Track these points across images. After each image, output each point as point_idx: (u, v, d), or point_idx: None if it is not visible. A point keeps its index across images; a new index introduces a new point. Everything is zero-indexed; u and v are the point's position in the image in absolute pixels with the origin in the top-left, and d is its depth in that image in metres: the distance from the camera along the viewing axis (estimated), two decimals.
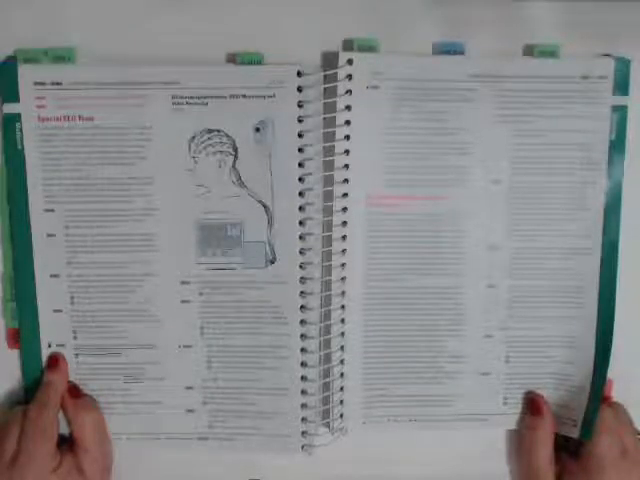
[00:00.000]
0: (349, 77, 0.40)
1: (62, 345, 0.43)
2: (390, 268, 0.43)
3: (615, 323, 0.43)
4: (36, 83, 0.40)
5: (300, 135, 0.41)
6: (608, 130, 0.42)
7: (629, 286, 0.43)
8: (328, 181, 0.41)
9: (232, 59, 0.41)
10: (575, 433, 0.44)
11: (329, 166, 0.41)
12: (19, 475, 0.38)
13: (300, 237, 0.42)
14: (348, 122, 0.41)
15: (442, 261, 0.43)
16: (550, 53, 0.42)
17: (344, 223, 0.42)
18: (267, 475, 0.45)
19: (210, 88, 0.40)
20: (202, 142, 0.41)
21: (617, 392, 0.45)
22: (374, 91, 0.41)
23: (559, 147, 0.42)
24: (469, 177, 0.42)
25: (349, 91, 0.41)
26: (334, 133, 0.41)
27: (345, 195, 0.42)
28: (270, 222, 0.42)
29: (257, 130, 0.41)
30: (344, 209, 0.42)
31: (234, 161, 0.41)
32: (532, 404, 0.44)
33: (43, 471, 0.39)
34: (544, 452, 0.43)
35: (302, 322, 0.43)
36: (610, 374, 0.44)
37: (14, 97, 0.40)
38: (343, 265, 0.42)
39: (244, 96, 0.40)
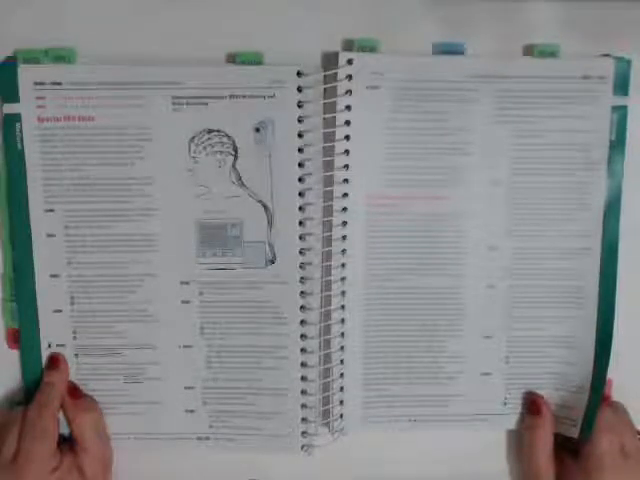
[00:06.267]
0: (349, 77, 0.40)
1: (62, 345, 0.43)
2: (390, 268, 0.43)
3: (615, 323, 0.43)
4: (36, 83, 0.40)
5: (300, 135, 0.41)
6: (608, 130, 0.42)
7: (629, 286, 0.43)
8: (328, 181, 0.41)
9: (232, 59, 0.41)
10: (575, 433, 0.44)
11: (329, 166, 0.41)
12: (19, 475, 0.38)
13: (300, 237, 0.42)
14: (348, 122, 0.41)
15: (442, 261, 0.43)
16: (550, 53, 0.42)
17: (344, 223, 0.42)
18: (267, 475, 0.45)
19: (210, 88, 0.40)
20: (202, 142, 0.41)
21: (617, 392, 0.45)
22: (374, 91, 0.41)
23: (559, 147, 0.42)
24: (469, 177, 0.42)
25: (349, 91, 0.41)
26: (334, 133, 0.41)
27: (345, 195, 0.42)
28: (270, 222, 0.42)
29: (257, 130, 0.41)
30: (344, 209, 0.42)
31: (234, 161, 0.41)
32: (532, 404, 0.44)
33: (43, 471, 0.39)
34: (544, 452, 0.43)
35: (302, 322, 0.43)
36: (610, 374, 0.44)
37: (14, 97, 0.40)
38: (343, 265, 0.42)
39: (244, 96, 0.40)
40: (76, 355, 0.43)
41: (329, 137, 0.41)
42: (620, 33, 0.43)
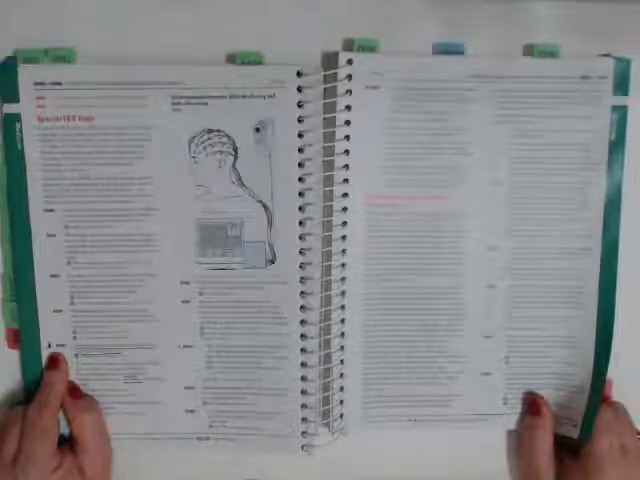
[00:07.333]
0: (349, 77, 0.40)
1: (62, 345, 0.43)
2: (390, 268, 0.43)
3: (615, 323, 0.43)
4: (36, 83, 0.40)
5: (300, 135, 0.41)
6: (608, 130, 0.42)
7: (629, 286, 0.43)
8: (328, 181, 0.41)
9: (232, 59, 0.41)
10: (575, 433, 0.44)
11: (329, 166, 0.41)
12: (20, 475, 0.38)
13: (300, 237, 0.42)
14: (348, 122, 0.41)
15: (442, 261, 0.43)
16: (550, 53, 0.42)
17: (344, 223, 0.42)
18: (267, 475, 0.45)
19: (210, 88, 0.40)
20: (202, 142, 0.41)
21: (617, 392, 0.45)
22: (374, 91, 0.41)
23: (559, 147, 0.42)
24: (469, 177, 0.42)
25: (349, 91, 0.41)
26: (334, 133, 0.41)
27: (345, 195, 0.42)
28: (270, 222, 0.42)
29: (257, 130, 0.41)
30: (344, 209, 0.42)
31: (234, 161, 0.41)
32: (532, 404, 0.44)
33: (43, 471, 0.39)
34: (544, 452, 0.43)
35: (302, 322, 0.43)
36: (610, 374, 0.44)
37: (14, 97, 0.40)
38: (343, 265, 0.42)
39: (244, 96, 0.40)
40: (76, 355, 0.43)
41: (329, 137, 0.41)
42: (620, 33, 0.43)
